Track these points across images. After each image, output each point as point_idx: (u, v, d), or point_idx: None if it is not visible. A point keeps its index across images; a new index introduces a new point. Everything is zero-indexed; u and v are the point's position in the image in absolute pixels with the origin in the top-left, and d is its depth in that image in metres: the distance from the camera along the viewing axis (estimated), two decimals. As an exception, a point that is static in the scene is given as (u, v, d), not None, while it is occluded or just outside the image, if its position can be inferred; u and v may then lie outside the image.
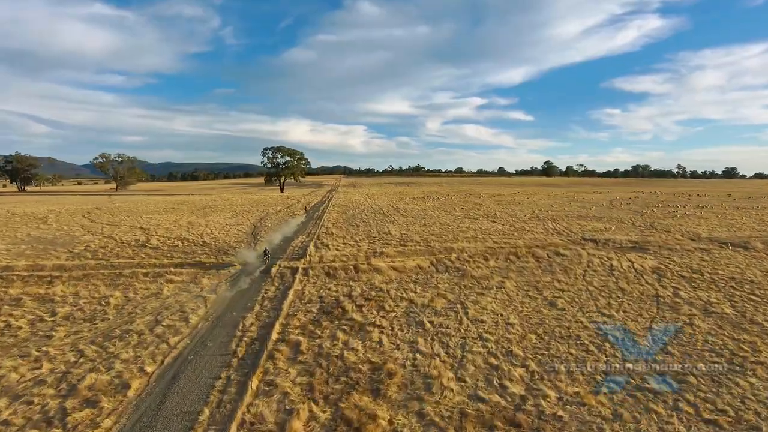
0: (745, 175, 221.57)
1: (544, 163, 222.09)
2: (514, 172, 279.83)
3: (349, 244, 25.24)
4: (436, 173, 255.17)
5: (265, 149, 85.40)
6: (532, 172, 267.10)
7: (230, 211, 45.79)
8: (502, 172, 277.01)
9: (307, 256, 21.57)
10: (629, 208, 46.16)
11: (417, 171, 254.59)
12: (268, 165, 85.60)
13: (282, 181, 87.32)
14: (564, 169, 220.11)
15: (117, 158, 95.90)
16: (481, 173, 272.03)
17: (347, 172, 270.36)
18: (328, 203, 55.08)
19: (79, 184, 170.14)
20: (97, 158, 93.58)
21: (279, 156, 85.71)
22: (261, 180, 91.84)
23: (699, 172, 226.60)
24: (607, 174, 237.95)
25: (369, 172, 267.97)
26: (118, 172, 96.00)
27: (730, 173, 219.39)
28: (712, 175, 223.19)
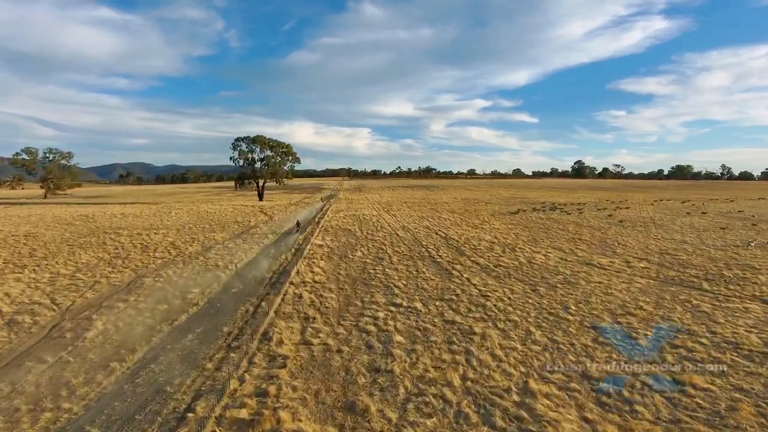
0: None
1: (575, 163, 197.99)
2: (531, 174, 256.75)
3: None
4: (449, 175, 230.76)
5: (237, 140, 59.38)
6: (551, 173, 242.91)
7: (106, 248, 22.18)
8: (518, 173, 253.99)
9: None
10: None
11: (428, 172, 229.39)
12: (241, 162, 59.86)
13: (261, 184, 62.01)
14: (594, 170, 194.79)
15: (47, 155, 71.99)
16: (495, 175, 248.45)
17: (352, 174, 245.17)
18: (318, 223, 31.28)
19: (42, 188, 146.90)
20: (18, 153, 69.66)
21: (256, 150, 61.04)
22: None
23: (738, 174, 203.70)
24: (637, 176, 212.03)
25: (375, 174, 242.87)
26: (50, 172, 72.19)
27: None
28: (747, 176, 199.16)
